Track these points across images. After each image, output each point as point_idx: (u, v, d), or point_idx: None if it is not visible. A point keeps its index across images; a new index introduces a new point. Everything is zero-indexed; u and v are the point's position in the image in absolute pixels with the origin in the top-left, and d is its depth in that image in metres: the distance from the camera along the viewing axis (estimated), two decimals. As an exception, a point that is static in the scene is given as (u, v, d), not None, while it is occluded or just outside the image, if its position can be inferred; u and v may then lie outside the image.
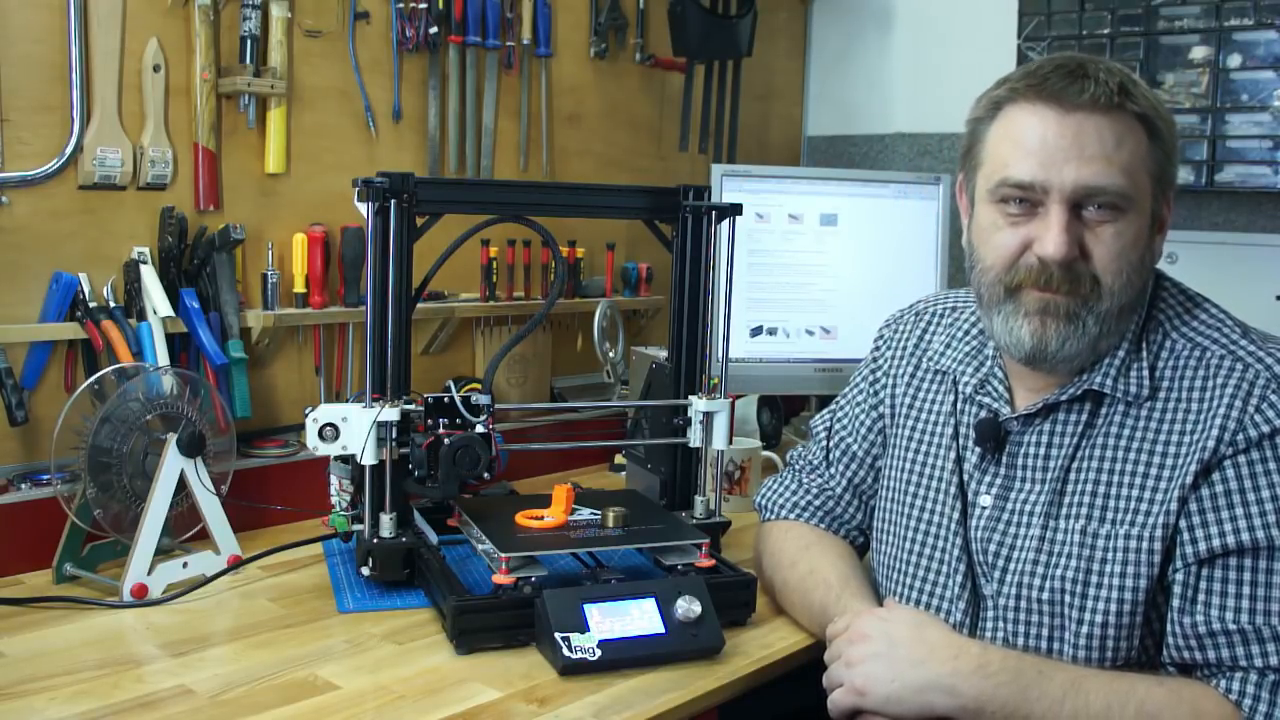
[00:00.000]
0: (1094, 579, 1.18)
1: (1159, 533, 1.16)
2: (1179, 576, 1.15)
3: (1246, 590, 1.11)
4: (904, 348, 1.46)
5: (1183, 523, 1.15)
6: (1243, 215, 2.15)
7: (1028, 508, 1.25)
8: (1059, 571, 1.20)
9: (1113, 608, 1.16)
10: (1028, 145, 1.18)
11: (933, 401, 1.39)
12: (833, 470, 1.51)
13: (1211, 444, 1.14)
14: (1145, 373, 1.21)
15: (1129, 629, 1.17)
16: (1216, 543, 1.12)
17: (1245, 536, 1.11)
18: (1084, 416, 1.23)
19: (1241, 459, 1.13)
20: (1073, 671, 1.15)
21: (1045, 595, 1.21)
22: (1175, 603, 1.14)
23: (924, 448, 1.38)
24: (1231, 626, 1.11)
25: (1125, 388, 1.21)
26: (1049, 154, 1.16)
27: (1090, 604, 1.18)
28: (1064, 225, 1.16)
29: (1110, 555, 1.17)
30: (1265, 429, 1.13)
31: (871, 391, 1.49)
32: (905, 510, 1.37)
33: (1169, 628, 1.15)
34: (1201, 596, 1.13)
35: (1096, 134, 1.15)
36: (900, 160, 2.60)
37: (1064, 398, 1.24)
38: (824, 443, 1.53)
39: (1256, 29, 2.02)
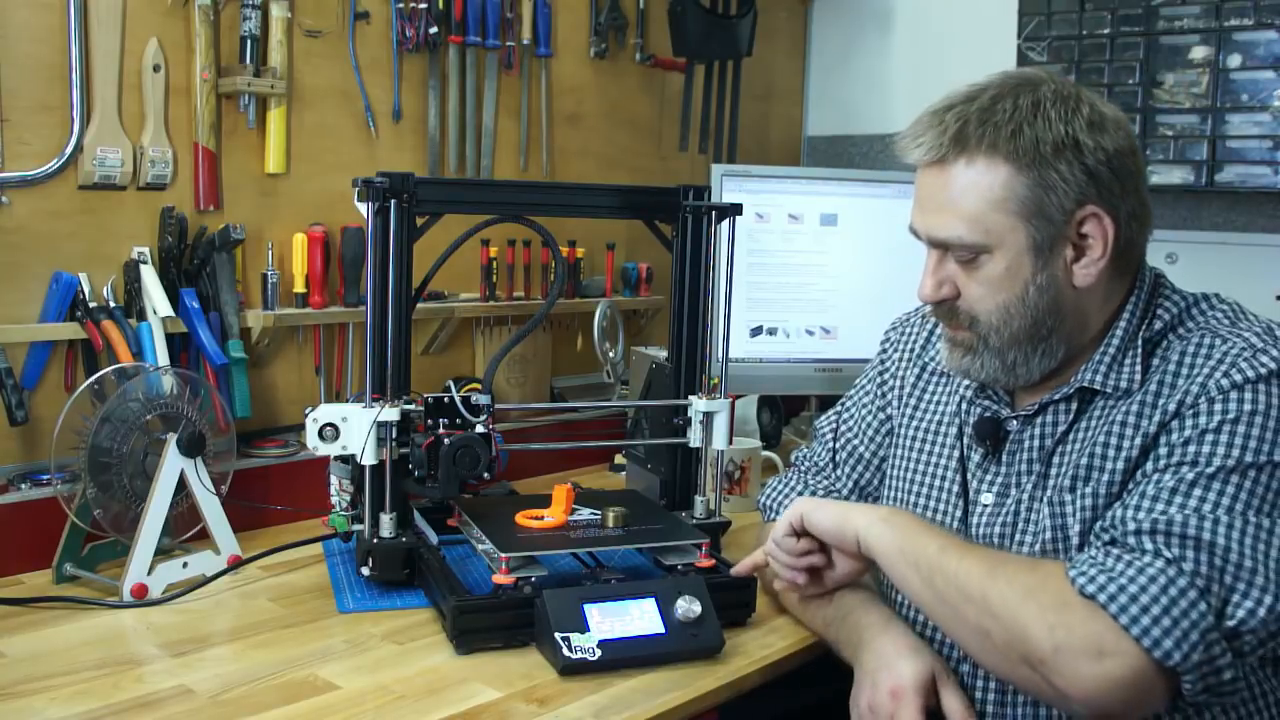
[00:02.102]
0: (1072, 545, 1.20)
1: (1119, 478, 1.17)
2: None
3: (1151, 491, 1.12)
4: (910, 350, 1.46)
5: (1146, 462, 1.17)
6: (1243, 215, 2.15)
7: (1030, 504, 1.26)
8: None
9: None
10: (914, 194, 1.26)
11: (937, 403, 1.40)
12: (839, 472, 1.51)
13: (1179, 396, 1.16)
14: (1138, 367, 1.21)
15: None
16: (1162, 463, 1.14)
17: (1175, 457, 1.13)
18: (1076, 406, 1.25)
19: (1201, 403, 1.14)
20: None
21: None
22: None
23: (928, 448, 1.38)
24: (1109, 522, 1.13)
25: (1116, 382, 1.22)
26: (917, 205, 1.25)
27: None
28: (930, 269, 1.24)
29: (1080, 515, 1.20)
30: (1225, 384, 1.13)
31: (879, 394, 1.49)
32: (909, 509, 1.37)
33: None
34: (1124, 498, 1.15)
35: (934, 186, 1.22)
36: (900, 160, 2.59)
37: (1057, 397, 1.25)
38: (830, 444, 1.53)
39: (1256, 29, 2.02)
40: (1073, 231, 1.19)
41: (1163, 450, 1.15)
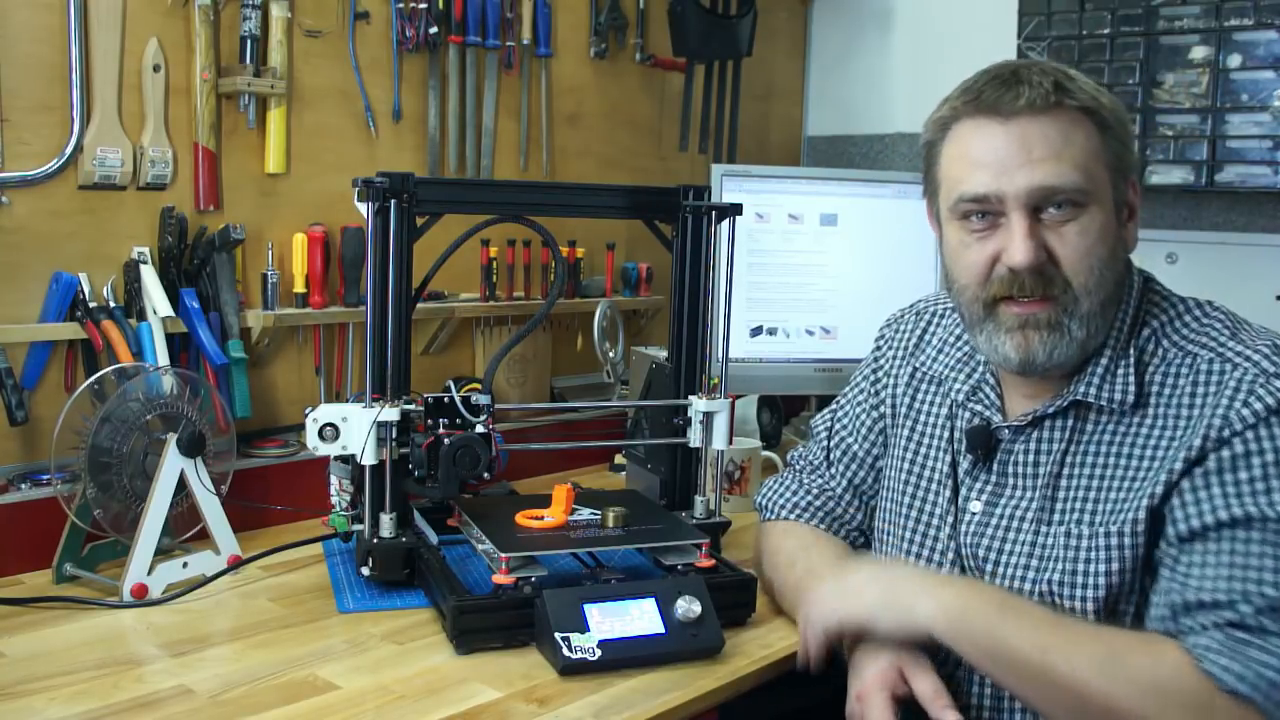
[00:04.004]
0: (1079, 580, 1.18)
1: (1140, 526, 1.15)
2: (1164, 557, 1.15)
3: (1226, 559, 1.10)
4: (904, 348, 1.46)
5: (1167, 504, 1.15)
6: (1243, 215, 2.15)
7: (1017, 513, 1.25)
8: (1047, 575, 1.20)
9: (1101, 605, 1.17)
10: (977, 159, 1.19)
11: (928, 405, 1.39)
12: (833, 471, 1.51)
13: (1198, 440, 1.14)
14: (1131, 378, 1.20)
15: (1117, 618, 1.17)
16: (1196, 522, 1.12)
17: (1224, 514, 1.11)
18: (1072, 423, 1.23)
19: (1224, 447, 1.13)
20: (1050, 609, 1.18)
21: (1035, 600, 1.20)
22: (1160, 583, 1.14)
23: (920, 450, 1.38)
24: (1207, 599, 1.10)
25: (1111, 395, 1.21)
26: (999, 164, 1.17)
27: (1079, 605, 1.18)
28: (1026, 231, 1.17)
29: (1094, 555, 1.18)
30: (1250, 420, 1.12)
31: (873, 392, 1.49)
32: (903, 513, 1.37)
33: (1153, 600, 1.15)
34: (1182, 570, 1.12)
35: (1040, 135, 1.16)
36: (900, 160, 2.60)
37: (1051, 410, 1.24)
38: (825, 443, 1.53)
39: (1256, 29, 2.02)
40: (1125, 195, 1.22)
41: (1208, 502, 1.12)
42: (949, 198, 1.23)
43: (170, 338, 1.62)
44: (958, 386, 1.34)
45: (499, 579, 1.33)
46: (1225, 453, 1.12)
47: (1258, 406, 1.12)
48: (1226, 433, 1.13)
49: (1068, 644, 1.10)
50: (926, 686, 1.18)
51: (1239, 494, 1.11)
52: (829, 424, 1.54)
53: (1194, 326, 1.22)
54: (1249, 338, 1.19)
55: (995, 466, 1.28)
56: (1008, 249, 1.18)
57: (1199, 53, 2.08)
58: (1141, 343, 1.22)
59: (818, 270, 2.17)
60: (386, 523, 1.45)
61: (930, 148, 1.27)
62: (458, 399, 1.46)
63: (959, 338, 1.39)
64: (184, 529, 1.55)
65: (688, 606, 1.31)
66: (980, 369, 1.34)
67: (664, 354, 1.77)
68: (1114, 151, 1.19)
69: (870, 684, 1.20)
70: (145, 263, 1.63)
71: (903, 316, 1.50)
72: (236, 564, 1.55)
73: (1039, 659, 1.11)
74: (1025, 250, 1.16)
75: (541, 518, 1.47)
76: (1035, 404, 1.26)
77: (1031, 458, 1.25)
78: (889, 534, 1.39)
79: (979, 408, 1.31)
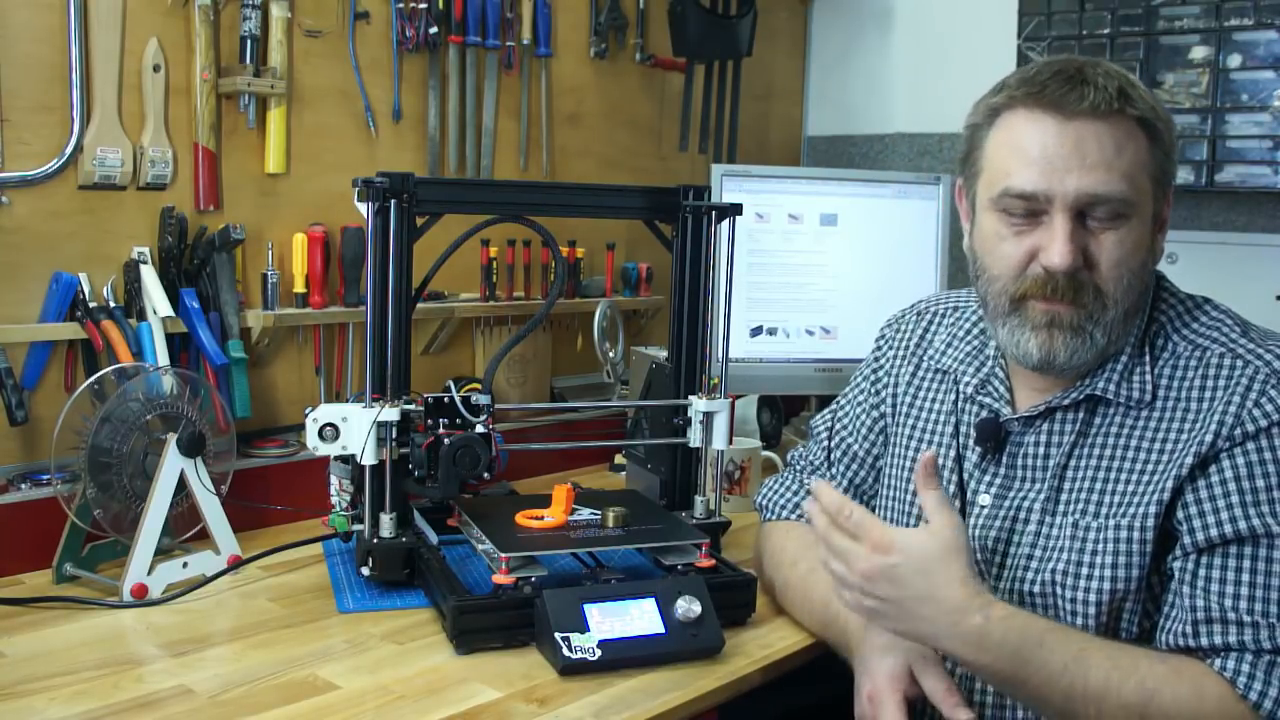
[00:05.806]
0: (1084, 570, 1.18)
1: (1150, 521, 1.16)
2: (1178, 565, 1.15)
3: (1246, 578, 1.11)
4: (905, 347, 1.46)
5: (1180, 513, 1.15)
6: (1243, 215, 2.15)
7: (1026, 504, 1.26)
8: (1050, 565, 1.21)
9: (1104, 599, 1.17)
10: (1029, 154, 1.17)
11: (933, 400, 1.39)
12: (834, 471, 1.51)
13: (1209, 438, 1.14)
14: (1148, 377, 1.21)
15: (1123, 617, 1.17)
16: (1215, 531, 1.12)
17: (1243, 525, 1.11)
18: (1083, 415, 1.24)
19: (1238, 450, 1.13)
20: (1077, 643, 1.13)
21: (1036, 589, 1.21)
22: (1176, 588, 1.14)
23: (924, 446, 1.37)
24: (1230, 616, 1.10)
25: (1128, 393, 1.21)
26: (1050, 163, 1.16)
27: (1081, 595, 1.18)
28: (1068, 235, 1.16)
29: (1100, 547, 1.18)
30: (1263, 422, 1.13)
31: (873, 391, 1.49)
32: (906, 509, 1.37)
33: (1169, 612, 1.15)
34: (1201, 584, 1.13)
35: (1097, 141, 1.15)
36: (900, 160, 2.60)
37: (1065, 402, 1.24)
38: (825, 443, 1.53)
39: (1256, 29, 2.02)
40: (1161, 207, 1.21)
41: (1226, 511, 1.12)
42: (992, 187, 1.21)
43: (170, 338, 1.62)
44: (966, 380, 1.34)
45: (499, 579, 1.33)
46: (1239, 458, 1.13)
47: (1269, 408, 1.13)
48: (1238, 433, 1.13)
49: (1096, 695, 1.09)
50: (938, 685, 1.18)
51: (1256, 502, 1.11)
52: (829, 424, 1.54)
53: (1205, 321, 1.23)
54: (1259, 336, 1.20)
55: (1004, 459, 1.28)
56: (1047, 249, 1.17)
57: (1199, 53, 2.08)
58: (1151, 337, 1.23)
59: (818, 270, 2.17)
60: (386, 523, 1.45)
61: (975, 130, 1.25)
62: (458, 399, 1.46)
63: (968, 332, 1.39)
64: (184, 529, 1.55)
65: (688, 606, 1.31)
66: (989, 363, 1.34)
67: (664, 354, 1.77)
68: (1159, 164, 1.19)
69: (882, 684, 1.20)
70: (145, 263, 1.63)
71: (903, 317, 1.50)
72: (236, 564, 1.55)
73: (1063, 706, 1.11)
74: (1065, 254, 1.16)
75: (541, 518, 1.47)
76: (1046, 396, 1.26)
77: (1041, 449, 1.26)
78: (892, 532, 1.39)
79: (988, 400, 1.31)
